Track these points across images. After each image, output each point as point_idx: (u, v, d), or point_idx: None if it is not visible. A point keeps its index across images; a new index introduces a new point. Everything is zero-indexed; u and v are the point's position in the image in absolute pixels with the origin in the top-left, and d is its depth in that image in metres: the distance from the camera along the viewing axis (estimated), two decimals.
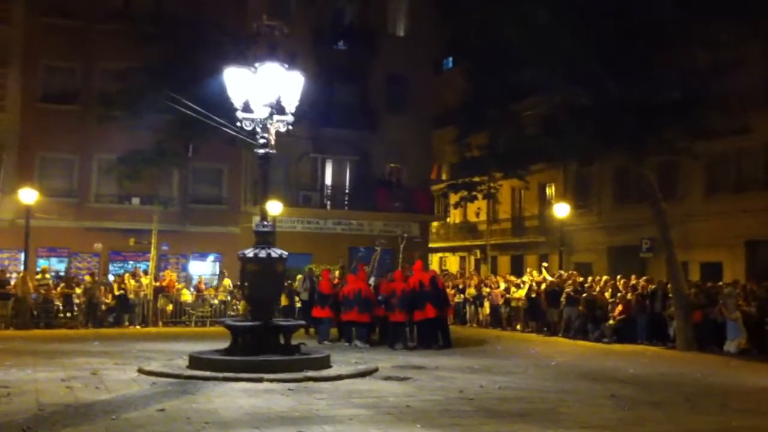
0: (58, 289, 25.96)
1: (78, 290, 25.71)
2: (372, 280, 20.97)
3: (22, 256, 27.07)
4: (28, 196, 26.67)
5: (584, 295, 23.43)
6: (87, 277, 26.49)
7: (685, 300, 20.39)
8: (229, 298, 27.52)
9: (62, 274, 29.36)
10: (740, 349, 18.85)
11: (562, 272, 26.53)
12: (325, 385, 12.25)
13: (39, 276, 26.39)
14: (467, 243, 43.64)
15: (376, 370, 14.11)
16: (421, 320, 19.48)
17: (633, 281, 23.15)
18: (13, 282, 25.13)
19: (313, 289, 23.31)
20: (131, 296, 25.98)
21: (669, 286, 21.16)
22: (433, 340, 19.43)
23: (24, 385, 11.72)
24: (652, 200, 21.39)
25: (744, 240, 27.23)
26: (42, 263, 29.42)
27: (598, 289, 23.81)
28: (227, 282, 28.21)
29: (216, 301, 27.71)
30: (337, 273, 23.72)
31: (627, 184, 31.34)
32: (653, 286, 21.99)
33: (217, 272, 31.55)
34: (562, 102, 22.95)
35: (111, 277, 28.76)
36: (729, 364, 17.10)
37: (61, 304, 25.87)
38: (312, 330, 21.70)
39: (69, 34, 30.66)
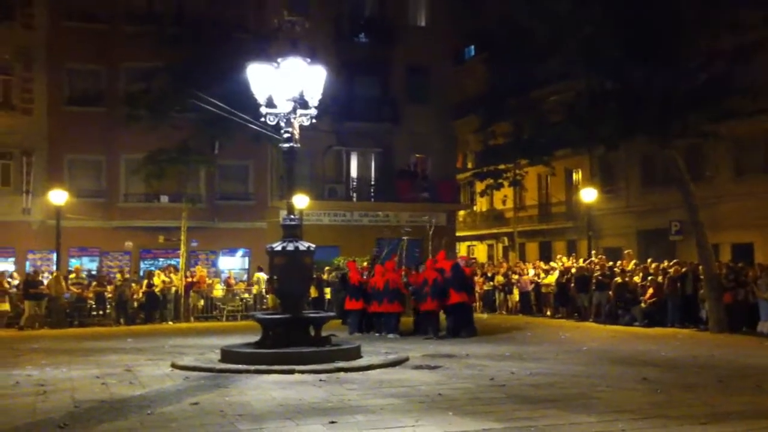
0: (91, 288, 26.28)
1: (110, 288, 26.00)
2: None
3: (54, 256, 27.43)
4: (58, 197, 27.01)
5: (615, 279, 23.31)
6: (118, 275, 26.78)
7: (716, 282, 20.23)
8: (264, 291, 27.69)
9: (94, 273, 29.68)
10: None
11: (593, 258, 26.36)
12: (356, 376, 12.31)
13: (72, 276, 26.71)
14: (495, 231, 43.52)
15: (406, 359, 14.15)
16: (447, 307, 19.54)
17: (664, 265, 22.99)
18: (46, 282, 25.43)
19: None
20: (162, 293, 26.23)
21: (700, 268, 21.00)
22: (462, 326, 19.42)
23: (59, 383, 11.89)
24: (681, 183, 21.20)
25: None
26: (73, 263, 29.79)
27: (629, 269, 23.66)
28: (259, 276, 28.31)
29: (247, 295, 27.91)
30: (365, 264, 23.77)
31: (654, 168, 31.10)
32: (684, 269, 21.82)
33: (247, 267, 31.73)
34: (585, 89, 22.81)
35: (141, 275, 29.07)
36: (762, 345, 16.95)
37: (94, 303, 26.20)
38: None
39: (93, 36, 30.99)
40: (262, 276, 28.07)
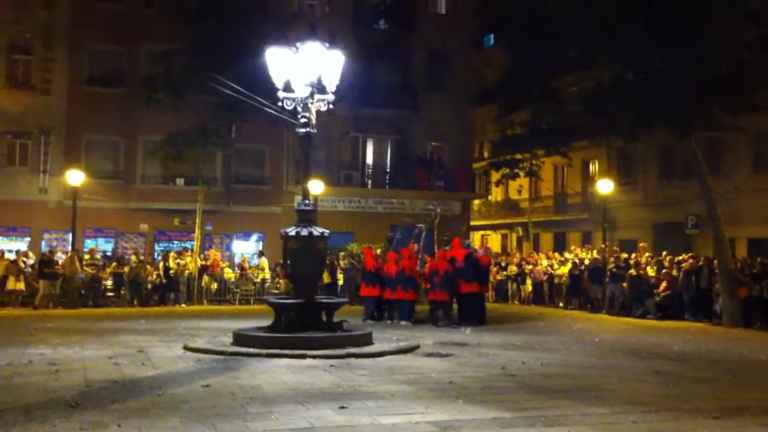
0: (108, 269, 26.41)
1: (126, 269, 26.14)
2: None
3: (70, 236, 27.57)
4: (75, 177, 27.12)
5: (629, 271, 23.20)
6: (133, 257, 26.90)
7: (731, 276, 20.12)
8: (268, 276, 27.76)
9: (110, 254, 29.84)
10: None
11: (609, 248, 26.20)
12: (367, 362, 12.31)
13: (87, 256, 26.86)
14: (509, 220, 43.40)
15: (417, 346, 14.15)
16: (459, 296, 19.55)
17: (679, 258, 22.87)
18: (61, 262, 25.58)
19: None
20: (176, 275, 26.35)
21: (715, 262, 20.88)
22: (471, 315, 19.41)
23: (72, 363, 11.96)
24: (699, 176, 21.06)
25: None
26: (89, 244, 29.95)
27: (643, 261, 23.56)
28: (262, 262, 28.44)
29: (258, 279, 28.01)
30: (379, 251, 23.77)
31: (672, 161, 30.89)
32: (700, 263, 21.70)
33: (261, 251, 31.83)
34: (606, 78, 22.63)
35: (157, 257, 29.21)
36: None
37: (109, 284, 26.34)
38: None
39: (113, 17, 31.01)
40: (265, 262, 28.18)
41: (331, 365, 11.82)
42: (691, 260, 22.13)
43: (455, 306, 20.03)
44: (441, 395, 9.50)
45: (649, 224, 33.30)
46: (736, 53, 19.59)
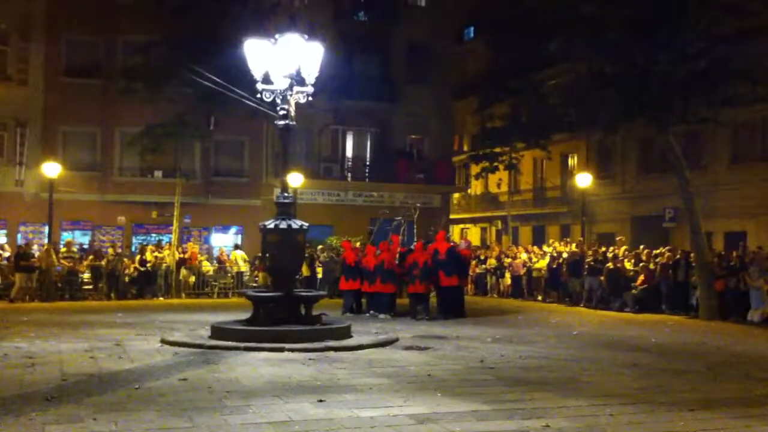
0: (85, 261, 26.20)
1: (103, 262, 25.93)
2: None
3: (46, 229, 27.33)
4: (52, 169, 26.90)
5: (607, 264, 23.32)
6: (110, 250, 26.69)
7: (708, 269, 20.26)
8: (244, 269, 27.62)
9: (86, 247, 29.61)
10: (764, 318, 18.68)
11: (587, 242, 26.34)
12: (346, 355, 12.30)
13: (64, 249, 26.63)
14: (489, 214, 43.54)
15: (396, 340, 14.15)
16: (438, 289, 19.59)
17: (657, 251, 23.00)
18: (37, 255, 25.35)
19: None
20: (154, 268, 26.18)
21: (692, 255, 21.02)
22: (450, 308, 19.45)
23: (48, 356, 11.86)
24: (677, 169, 21.17)
25: None
26: (66, 236, 29.69)
27: (621, 255, 23.71)
28: (236, 255, 28.31)
29: (234, 272, 27.85)
30: (358, 244, 23.73)
31: (650, 154, 31.08)
32: (677, 256, 21.84)
33: (239, 244, 31.72)
34: (586, 71, 22.68)
35: (134, 250, 29.00)
36: (752, 333, 16.99)
37: (86, 277, 26.12)
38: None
39: (91, 7, 30.60)
40: (240, 254, 28.07)
41: (310, 358, 11.79)
42: (668, 253, 22.26)
43: (433, 299, 20.05)
44: (420, 388, 9.50)
45: (627, 217, 33.51)
46: (714, 47, 19.67)
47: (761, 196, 26.77)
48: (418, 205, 24.08)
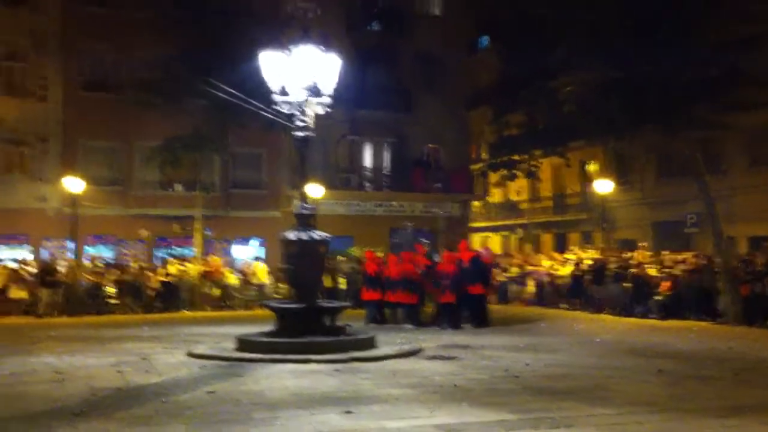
0: (110, 276, 26.34)
1: (128, 276, 26.07)
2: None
3: (69, 244, 27.50)
4: (75, 185, 27.08)
5: (630, 270, 23.20)
6: (133, 263, 26.84)
7: (733, 274, 20.12)
8: (266, 280, 27.72)
9: (111, 261, 29.81)
10: None
11: (609, 248, 26.23)
12: (370, 366, 12.30)
13: (89, 264, 26.79)
14: (509, 222, 43.45)
15: (421, 349, 14.13)
16: (463, 298, 19.57)
17: (680, 257, 22.86)
18: (63, 270, 25.52)
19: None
20: (177, 282, 26.31)
21: (716, 260, 20.88)
22: (474, 317, 19.45)
23: (75, 371, 11.94)
24: (696, 175, 21.06)
25: None
26: (89, 251, 29.89)
27: (644, 261, 23.59)
28: (257, 266, 28.42)
29: (256, 285, 27.93)
30: (380, 254, 23.74)
31: (670, 159, 30.91)
32: (701, 261, 21.70)
33: (262, 256, 31.80)
34: (594, 79, 22.63)
35: (158, 263, 29.15)
36: None
37: (111, 291, 26.25)
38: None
39: (107, 22, 30.81)
40: (260, 266, 28.16)
41: (335, 369, 11.81)
42: (693, 259, 22.12)
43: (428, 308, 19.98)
44: (445, 398, 9.50)
45: (648, 223, 33.35)
46: (724, 54, 19.57)
47: None
48: (441, 213, 24.10)
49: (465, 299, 19.66)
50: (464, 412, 8.63)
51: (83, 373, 11.74)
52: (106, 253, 31.20)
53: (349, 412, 8.58)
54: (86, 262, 27.01)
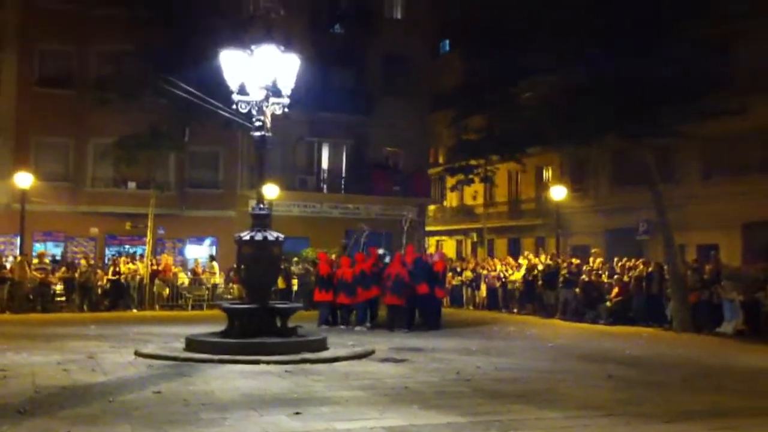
0: (58, 273, 25.92)
1: (76, 274, 25.66)
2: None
3: (18, 240, 27.02)
4: (24, 180, 26.62)
5: (582, 277, 23.44)
6: (83, 261, 26.44)
7: (681, 282, 20.41)
8: (219, 280, 27.54)
9: (59, 258, 29.31)
10: (736, 331, 18.84)
11: (562, 254, 26.51)
12: (322, 367, 12.25)
13: (36, 261, 26.34)
14: (464, 226, 43.65)
15: (372, 352, 14.10)
16: (413, 299, 19.60)
17: (630, 263, 23.15)
18: (9, 266, 25.06)
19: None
20: (127, 280, 25.97)
21: (665, 267, 21.17)
22: (426, 319, 19.57)
23: (20, 368, 11.69)
24: (650, 183, 21.33)
25: (741, 222, 27.29)
26: (38, 248, 29.37)
27: (596, 268, 23.85)
28: (213, 267, 28.27)
29: (210, 284, 27.72)
30: (333, 256, 23.66)
31: (624, 167, 31.29)
32: (651, 268, 21.99)
33: (214, 255, 31.55)
34: (559, 84, 22.81)
35: (107, 261, 28.76)
36: (725, 345, 17.12)
37: (58, 289, 25.84)
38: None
39: (64, 18, 30.45)
40: (216, 266, 28.00)
41: (286, 371, 11.73)
42: (642, 266, 22.41)
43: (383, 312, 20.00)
44: (396, 400, 9.48)
45: (601, 230, 33.74)
46: (688, 59, 19.80)
47: (733, 210, 27.07)
48: (410, 216, 24.16)
49: (414, 300, 19.67)
50: (414, 415, 8.62)
51: (28, 370, 11.49)
52: (55, 250, 30.70)
53: (298, 414, 8.52)
54: (34, 259, 26.49)
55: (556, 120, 22.59)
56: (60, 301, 25.65)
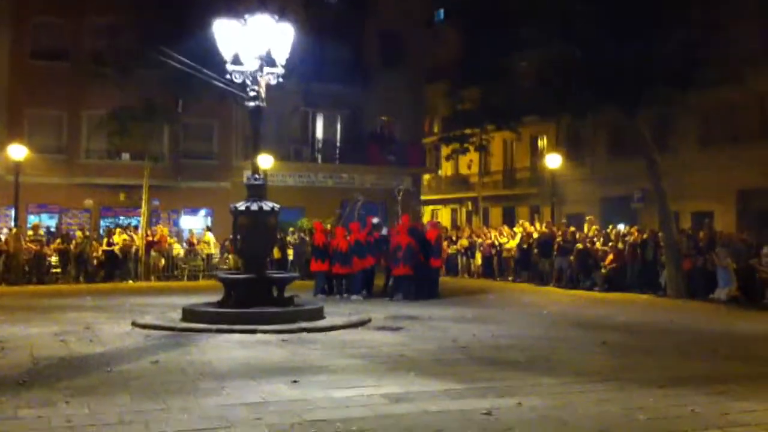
0: (53, 245, 25.91)
1: (71, 245, 25.64)
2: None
3: (12, 212, 26.99)
4: (18, 152, 26.52)
5: (577, 245, 23.52)
6: (78, 233, 26.42)
7: (676, 249, 20.50)
8: (214, 251, 27.55)
9: (53, 230, 29.28)
10: (730, 297, 18.96)
11: (557, 222, 26.57)
12: (318, 336, 12.32)
13: (31, 233, 26.31)
14: (459, 195, 43.67)
15: (369, 320, 14.18)
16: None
17: (624, 231, 23.23)
18: (3, 238, 25.04)
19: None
20: (122, 251, 25.97)
21: (660, 235, 21.25)
22: (423, 288, 19.59)
23: (17, 340, 11.74)
24: (646, 152, 21.34)
25: (736, 189, 27.37)
26: (32, 219, 29.34)
27: (591, 235, 23.94)
28: (208, 237, 28.28)
29: (205, 255, 27.74)
30: (329, 226, 23.68)
31: (621, 136, 31.27)
32: (645, 236, 22.07)
33: (210, 226, 31.54)
34: (556, 56, 22.71)
35: (102, 233, 28.75)
36: (719, 312, 17.25)
37: (54, 261, 25.83)
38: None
39: None
40: (211, 237, 27.99)
41: (283, 340, 11.80)
42: (636, 233, 22.49)
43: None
44: (393, 368, 9.54)
45: (596, 198, 33.78)
46: (685, 32, 19.75)
47: (728, 178, 27.12)
48: (402, 187, 24.15)
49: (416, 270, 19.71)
50: (411, 382, 8.69)
51: (25, 342, 11.53)
52: (49, 222, 30.66)
53: (296, 382, 8.59)
54: (29, 231, 26.46)
55: (550, 92, 22.56)
56: (55, 272, 25.64)
